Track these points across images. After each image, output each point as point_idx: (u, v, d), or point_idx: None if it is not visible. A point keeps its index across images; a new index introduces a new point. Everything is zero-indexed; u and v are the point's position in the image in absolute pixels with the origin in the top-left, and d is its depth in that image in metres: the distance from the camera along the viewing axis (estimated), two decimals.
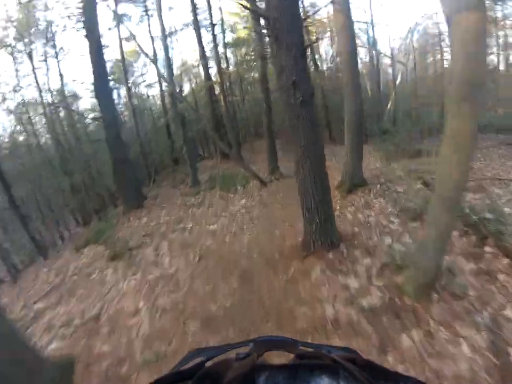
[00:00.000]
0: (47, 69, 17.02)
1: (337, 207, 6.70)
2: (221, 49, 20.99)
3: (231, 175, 10.91)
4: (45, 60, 17.16)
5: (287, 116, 4.21)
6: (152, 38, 20.96)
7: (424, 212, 5.84)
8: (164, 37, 12.96)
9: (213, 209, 8.34)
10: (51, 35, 17.93)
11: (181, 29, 16.80)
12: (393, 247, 5.03)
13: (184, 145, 11.54)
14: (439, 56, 27.25)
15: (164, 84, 19.60)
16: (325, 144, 14.16)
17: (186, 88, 24.73)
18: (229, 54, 23.29)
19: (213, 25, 15.40)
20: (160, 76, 10.22)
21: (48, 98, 17.54)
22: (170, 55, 18.39)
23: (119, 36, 18.52)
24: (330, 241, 4.79)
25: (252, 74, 24.40)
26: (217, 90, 16.72)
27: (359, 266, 4.66)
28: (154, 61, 9.92)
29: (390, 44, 17.83)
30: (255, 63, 22.23)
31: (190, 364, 0.55)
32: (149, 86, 26.30)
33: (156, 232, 7.88)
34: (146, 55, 10.20)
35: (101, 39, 10.75)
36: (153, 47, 20.81)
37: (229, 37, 23.37)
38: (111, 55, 21.64)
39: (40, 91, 17.02)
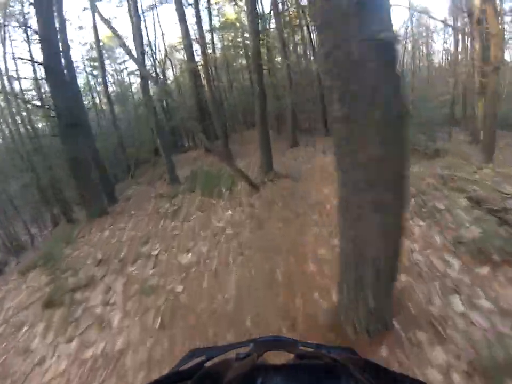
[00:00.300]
0: (4, 53, 14.08)
1: None
2: (207, 35, 18.49)
3: (215, 173, 8.54)
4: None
5: (331, 86, 1.75)
6: (132, 20, 18.09)
7: (490, 247, 3.82)
8: (135, 10, 10.33)
9: (189, 225, 6.01)
10: (22, 18, 15.11)
11: (160, 3, 14.02)
12: (471, 318, 2.94)
13: (157, 136, 9.05)
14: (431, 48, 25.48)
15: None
16: (319, 137, 11.88)
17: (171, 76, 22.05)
18: (216, 40, 20.67)
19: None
20: (131, 57, 7.66)
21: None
22: (147, 35, 15.75)
23: (93, 17, 15.77)
24: (385, 324, 2.54)
25: (240, 61, 21.85)
26: (202, 75, 14.14)
27: (431, 369, 2.51)
28: (123, 42, 7.32)
29: None
30: (241, 51, 20.08)
31: (190, 363, 0.50)
32: (132, 73, 23.44)
33: (114, 258, 5.55)
34: (117, 35, 7.72)
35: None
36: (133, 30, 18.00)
37: (216, 22, 20.83)
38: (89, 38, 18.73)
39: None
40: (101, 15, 8.45)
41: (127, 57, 21.93)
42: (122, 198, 10.47)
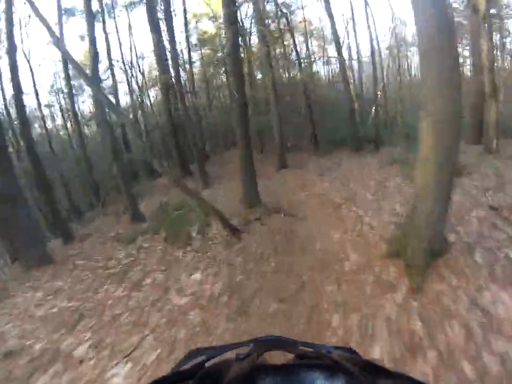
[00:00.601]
0: None
1: (417, 326, 2.51)
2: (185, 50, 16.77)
3: (185, 207, 6.43)
4: None
5: None
6: (106, 35, 16.18)
7: None
8: (90, 16, 8.35)
9: (139, 297, 3.87)
10: None
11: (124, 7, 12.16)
12: None
13: (114, 164, 6.94)
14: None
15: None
16: (309, 155, 10.00)
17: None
18: (196, 58, 19.00)
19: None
20: (81, 75, 5.62)
21: None
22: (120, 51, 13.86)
23: (60, 32, 13.64)
24: None
25: (221, 78, 20.15)
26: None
27: None
28: (71, 58, 5.28)
29: (372, 43, 13.30)
30: (222, 69, 18.37)
31: (190, 364, 0.48)
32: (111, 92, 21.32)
33: (27, 351, 3.42)
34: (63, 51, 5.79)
35: None
36: (107, 46, 16.06)
37: (195, 38, 19.18)
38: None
39: None
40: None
41: (106, 76, 19.87)
42: (79, 236, 8.25)
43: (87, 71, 7.82)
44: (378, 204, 4.77)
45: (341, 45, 11.18)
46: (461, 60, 13.56)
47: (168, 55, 11.13)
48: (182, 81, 13.91)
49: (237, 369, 0.40)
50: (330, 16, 10.19)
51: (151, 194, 11.03)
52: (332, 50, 22.25)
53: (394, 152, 8.44)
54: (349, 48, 16.48)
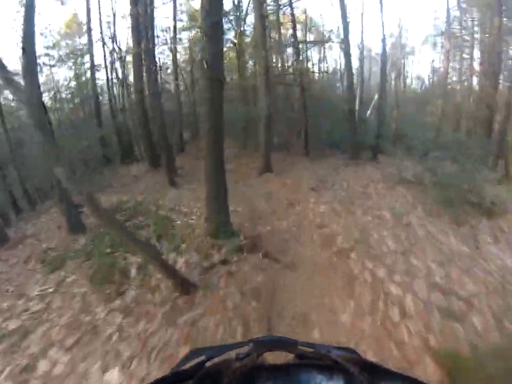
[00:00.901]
0: None
1: None
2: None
3: (136, 222, 4.69)
4: None
5: None
6: None
7: None
8: None
9: None
10: None
11: None
12: None
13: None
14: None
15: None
16: (299, 158, 8.43)
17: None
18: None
19: None
20: None
21: None
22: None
23: None
24: None
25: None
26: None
27: None
28: None
29: (383, 39, 11.56)
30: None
31: (190, 364, 0.46)
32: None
33: None
34: None
35: None
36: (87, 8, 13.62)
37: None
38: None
39: None
40: None
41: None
42: (14, 240, 6.28)
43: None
44: (406, 258, 3.19)
45: (348, 35, 9.37)
46: None
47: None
48: (160, 58, 11.99)
49: (237, 369, 0.38)
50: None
51: (115, 187, 8.97)
52: (327, 50, 20.60)
53: (399, 165, 6.83)
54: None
